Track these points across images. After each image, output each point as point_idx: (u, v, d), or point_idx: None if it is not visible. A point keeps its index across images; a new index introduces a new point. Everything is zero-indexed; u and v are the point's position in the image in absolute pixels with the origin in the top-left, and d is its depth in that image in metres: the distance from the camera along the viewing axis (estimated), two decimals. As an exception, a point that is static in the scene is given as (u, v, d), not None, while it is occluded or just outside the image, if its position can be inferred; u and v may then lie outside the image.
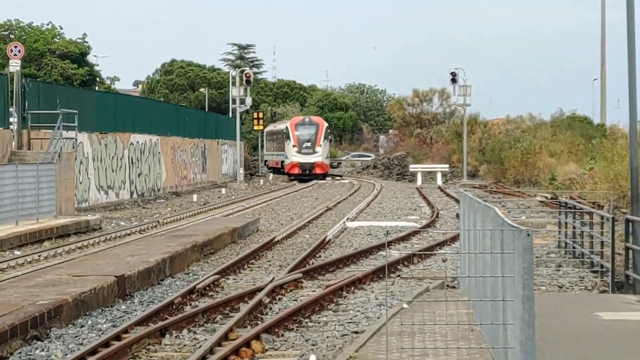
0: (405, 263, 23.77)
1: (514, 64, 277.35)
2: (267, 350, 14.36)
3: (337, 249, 27.48)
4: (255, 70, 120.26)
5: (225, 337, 14.64)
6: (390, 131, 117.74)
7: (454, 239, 28.31)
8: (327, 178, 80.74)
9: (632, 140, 20.87)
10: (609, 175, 40.39)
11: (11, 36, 73.26)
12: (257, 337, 14.63)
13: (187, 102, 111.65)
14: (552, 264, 23.48)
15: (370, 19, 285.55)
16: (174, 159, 62.24)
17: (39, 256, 25.64)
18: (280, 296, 19.15)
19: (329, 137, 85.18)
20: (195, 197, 54.12)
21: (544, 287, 20.03)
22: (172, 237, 27.50)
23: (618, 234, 20.97)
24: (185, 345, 14.77)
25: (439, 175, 71.18)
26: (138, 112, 55.34)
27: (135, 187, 53.41)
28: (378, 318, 16.16)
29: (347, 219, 36.98)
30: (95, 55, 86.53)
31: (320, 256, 25.79)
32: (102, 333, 15.55)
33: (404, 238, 29.60)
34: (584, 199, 36.85)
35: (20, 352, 14.19)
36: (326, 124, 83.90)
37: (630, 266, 18.38)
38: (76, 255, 25.82)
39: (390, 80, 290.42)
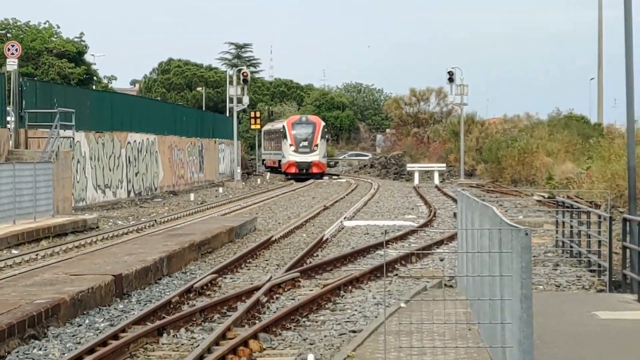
0: (403, 262, 23.78)
1: (510, 64, 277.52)
2: (264, 349, 14.36)
3: (335, 248, 27.48)
4: (252, 69, 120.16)
5: (223, 336, 14.64)
6: (388, 130, 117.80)
7: (452, 238, 28.32)
8: (324, 177, 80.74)
9: (629, 140, 20.89)
10: (606, 174, 40.43)
11: (8, 35, 73.21)
12: (254, 336, 14.64)
13: (184, 101, 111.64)
14: (550, 263, 23.50)
15: (366, 18, 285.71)
16: (171, 158, 62.20)
17: (37, 255, 25.63)
18: (277, 295, 19.15)
19: (326, 136, 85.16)
20: (192, 196, 54.09)
21: (541, 287, 20.04)
22: (170, 236, 27.49)
23: (615, 233, 20.95)
24: (182, 345, 14.77)
25: (436, 175, 71.19)
26: (135, 111, 55.30)
27: (133, 186, 53.38)
28: (376, 317, 16.17)
29: (345, 218, 36.98)
30: (93, 54, 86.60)
31: (317, 255, 25.79)
32: (100, 332, 15.55)
33: (402, 237, 29.60)
34: (581, 198, 36.89)
35: (17, 351, 14.19)
36: (323, 123, 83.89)
37: (627, 265, 18.38)
38: (73, 254, 25.80)
39: (387, 79, 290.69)
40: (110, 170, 49.38)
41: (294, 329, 15.90)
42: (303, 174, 79.06)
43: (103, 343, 14.12)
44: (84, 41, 78.26)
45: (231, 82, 77.15)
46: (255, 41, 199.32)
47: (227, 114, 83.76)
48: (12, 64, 39.08)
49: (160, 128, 60.04)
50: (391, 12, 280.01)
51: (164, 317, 16.50)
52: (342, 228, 33.41)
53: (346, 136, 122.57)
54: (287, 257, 25.41)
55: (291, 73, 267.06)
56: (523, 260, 9.18)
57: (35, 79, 57.23)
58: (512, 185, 61.12)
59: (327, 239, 29.37)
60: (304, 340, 14.90)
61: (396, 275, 21.98)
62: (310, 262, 23.79)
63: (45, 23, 77.24)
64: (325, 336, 15.18)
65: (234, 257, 24.55)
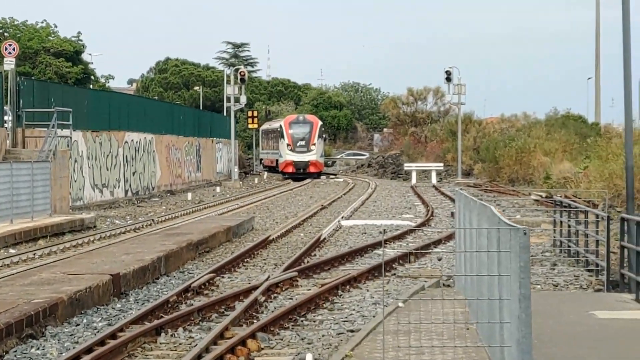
0: (401, 262, 23.77)
1: (508, 63, 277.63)
2: (262, 348, 14.35)
3: (332, 248, 27.48)
4: (249, 68, 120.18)
5: (221, 335, 14.63)
6: (385, 130, 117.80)
7: (449, 237, 28.32)
8: (322, 177, 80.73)
9: (627, 139, 20.89)
10: (603, 174, 40.43)
11: (5, 34, 73.14)
12: (252, 335, 14.63)
13: (181, 100, 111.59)
14: (547, 263, 23.50)
15: (365, 18, 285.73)
16: (168, 157, 62.20)
17: (34, 254, 25.61)
18: (275, 295, 19.14)
19: (324, 136, 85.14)
20: (189, 195, 54.08)
21: (539, 286, 20.04)
22: (167, 236, 27.48)
23: (613, 232, 20.97)
24: (180, 344, 14.76)
25: (433, 174, 71.19)
26: (132, 110, 55.30)
27: (130, 186, 53.37)
28: (374, 317, 16.16)
29: (342, 217, 36.99)
30: (90, 54, 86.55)
31: (315, 255, 25.79)
32: (98, 331, 15.54)
33: (399, 237, 29.61)
34: (579, 198, 36.89)
35: (15, 351, 14.17)
36: (320, 123, 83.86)
37: (625, 265, 18.39)
38: (71, 253, 25.79)
39: (384, 78, 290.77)
40: (107, 169, 49.37)
41: (292, 328, 15.89)
42: (300, 173, 79.04)
43: (101, 342, 14.11)
44: (81, 40, 78.20)
45: (228, 82, 77.10)
46: (252, 40, 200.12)
47: (225, 114, 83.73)
48: (9, 63, 39.07)
49: (158, 127, 60.04)
50: (390, 12, 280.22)
51: (161, 317, 16.48)
52: (340, 227, 33.41)
53: (343, 135, 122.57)
54: (284, 256, 25.41)
55: (288, 72, 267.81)
56: (522, 260, 9.19)
57: (33, 78, 57.18)
58: (509, 185, 61.14)
59: (324, 238, 29.36)
60: (302, 339, 14.90)
61: (394, 274, 21.98)
62: (308, 262, 23.78)
63: (42, 22, 77.17)
64: (323, 336, 15.18)
65: (232, 256, 24.54)
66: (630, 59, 20.80)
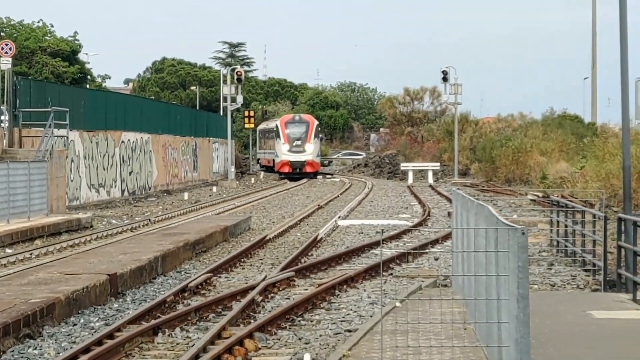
0: (398, 261, 23.78)
1: (505, 63, 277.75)
2: (260, 348, 14.35)
3: (329, 248, 27.48)
4: (246, 68, 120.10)
5: (218, 335, 14.63)
6: (381, 129, 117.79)
7: (446, 237, 28.33)
8: (318, 176, 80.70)
9: (624, 139, 20.89)
10: (600, 173, 40.44)
11: (2, 34, 73.07)
12: (250, 335, 14.63)
13: (178, 100, 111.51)
14: (544, 263, 23.51)
15: (363, 18, 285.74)
16: (165, 157, 62.17)
17: (31, 254, 25.59)
18: (272, 294, 19.14)
19: (320, 135, 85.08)
20: (186, 195, 54.06)
21: (536, 286, 20.04)
22: (164, 236, 27.47)
23: (610, 232, 20.98)
24: (178, 344, 14.75)
25: (430, 174, 71.22)
26: (129, 110, 55.27)
27: (127, 185, 53.33)
28: (371, 316, 16.16)
29: (339, 217, 36.98)
30: (86, 53, 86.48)
31: (312, 254, 25.78)
32: (95, 331, 15.53)
33: (396, 236, 29.61)
34: (576, 198, 36.91)
35: (13, 351, 14.16)
36: (316, 122, 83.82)
37: (622, 265, 18.39)
38: (68, 253, 25.78)
39: (381, 78, 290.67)
40: (104, 169, 49.34)
41: (289, 328, 15.89)
42: (296, 173, 78.99)
43: (98, 342, 14.11)
44: (77, 40, 78.14)
45: (225, 81, 77.07)
46: (249, 40, 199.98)
47: (221, 113, 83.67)
48: (5, 63, 39.01)
49: (154, 127, 60.00)
50: (388, 12, 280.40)
51: (159, 317, 16.48)
52: (337, 227, 33.40)
53: (340, 135, 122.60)
54: (281, 256, 25.41)
55: (285, 72, 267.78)
56: (520, 260, 9.19)
57: (29, 77, 57.14)
58: (506, 185, 61.14)
59: (321, 238, 29.36)
60: (300, 339, 14.90)
61: (391, 274, 21.98)
62: (305, 262, 23.78)
63: (39, 22, 77.15)
64: (320, 335, 15.18)
65: (229, 256, 24.54)
66: (627, 58, 20.79)
